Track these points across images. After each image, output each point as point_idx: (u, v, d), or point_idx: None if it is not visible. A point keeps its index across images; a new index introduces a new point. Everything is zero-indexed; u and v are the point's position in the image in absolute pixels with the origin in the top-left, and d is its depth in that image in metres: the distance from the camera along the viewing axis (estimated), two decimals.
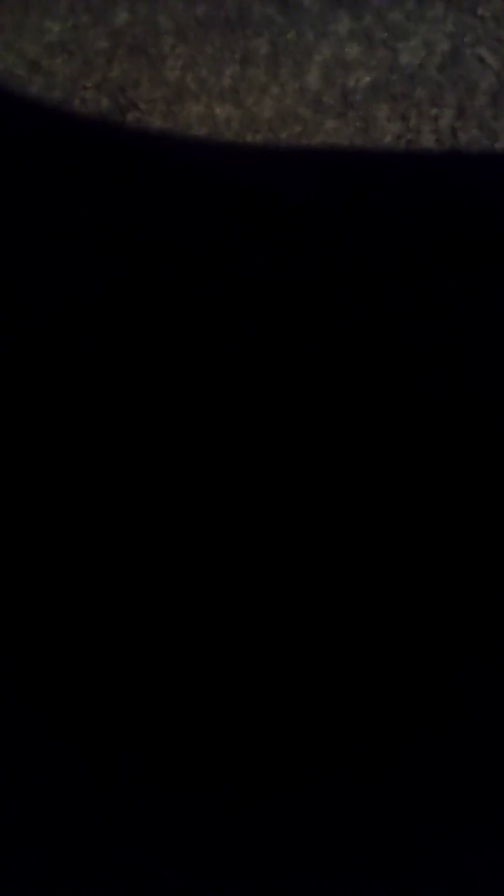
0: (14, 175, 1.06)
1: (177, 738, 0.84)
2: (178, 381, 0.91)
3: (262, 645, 0.86)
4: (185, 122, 1.20)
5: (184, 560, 0.87)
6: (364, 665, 0.85)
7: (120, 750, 0.84)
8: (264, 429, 0.90)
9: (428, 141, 1.18)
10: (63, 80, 1.22)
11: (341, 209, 1.06)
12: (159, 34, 1.26)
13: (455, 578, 0.87)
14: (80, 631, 0.86)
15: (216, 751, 0.84)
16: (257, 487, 0.89)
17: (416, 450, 0.90)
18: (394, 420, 0.91)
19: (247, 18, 1.27)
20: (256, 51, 1.24)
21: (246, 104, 1.21)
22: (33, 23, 1.27)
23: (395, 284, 0.99)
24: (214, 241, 1.00)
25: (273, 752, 0.84)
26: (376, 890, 0.82)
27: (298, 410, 0.91)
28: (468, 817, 0.83)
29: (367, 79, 1.23)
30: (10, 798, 0.83)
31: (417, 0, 1.26)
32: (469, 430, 0.90)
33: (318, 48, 1.24)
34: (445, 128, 1.19)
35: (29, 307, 0.93)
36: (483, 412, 0.91)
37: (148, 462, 0.89)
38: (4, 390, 0.90)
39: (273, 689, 0.85)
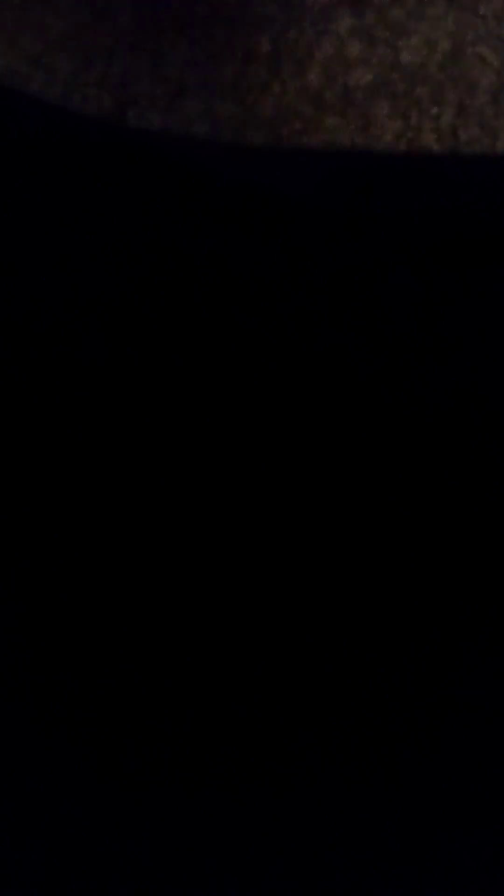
0: (14, 171, 1.06)
1: (178, 736, 0.84)
2: (177, 379, 0.91)
3: (264, 644, 0.86)
4: (185, 119, 1.20)
5: (186, 559, 0.87)
6: (366, 663, 0.85)
7: (120, 748, 0.84)
8: (266, 428, 0.90)
9: (428, 139, 1.18)
10: (64, 77, 1.22)
11: (341, 206, 1.07)
12: (160, 31, 1.26)
13: (455, 577, 0.87)
14: (79, 629, 0.86)
15: (217, 749, 0.84)
16: (259, 488, 0.89)
17: (416, 450, 0.90)
18: (395, 420, 0.91)
19: (248, 16, 1.27)
20: (257, 48, 1.25)
21: (246, 102, 1.21)
22: (35, 19, 1.27)
23: (394, 282, 0.99)
24: (213, 237, 1.00)
25: (274, 751, 0.84)
26: (377, 890, 0.82)
27: (299, 410, 0.91)
28: (469, 818, 0.84)
29: (368, 77, 1.23)
30: (9, 797, 0.83)
31: None
32: (470, 430, 0.91)
33: (319, 46, 1.25)
34: (446, 126, 1.19)
35: (27, 302, 0.94)
36: (484, 412, 0.91)
37: (150, 463, 0.89)
38: (3, 389, 0.90)
39: (274, 687, 0.85)
